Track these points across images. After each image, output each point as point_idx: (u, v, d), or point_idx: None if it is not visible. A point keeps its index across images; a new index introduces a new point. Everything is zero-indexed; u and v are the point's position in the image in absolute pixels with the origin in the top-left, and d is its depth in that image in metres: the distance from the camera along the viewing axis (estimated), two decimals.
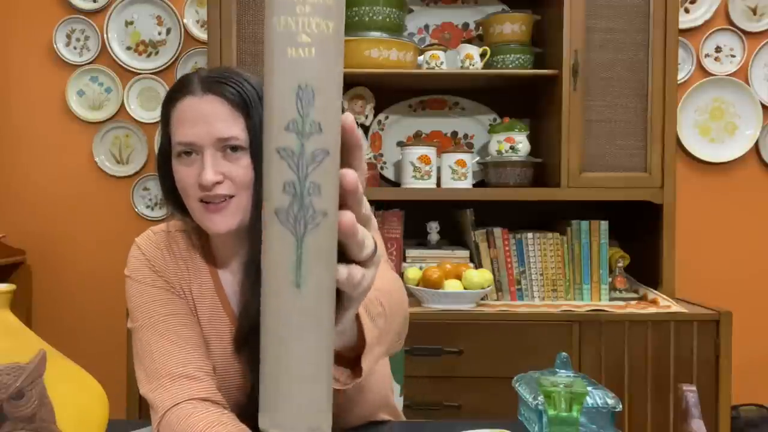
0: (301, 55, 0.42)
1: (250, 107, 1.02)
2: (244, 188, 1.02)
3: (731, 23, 2.53)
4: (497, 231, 2.18)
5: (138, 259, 1.12)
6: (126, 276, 1.12)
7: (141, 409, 1.95)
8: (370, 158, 2.34)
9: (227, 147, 1.01)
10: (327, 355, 0.43)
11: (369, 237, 0.52)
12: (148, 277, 1.10)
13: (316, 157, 0.42)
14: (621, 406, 0.98)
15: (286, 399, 0.41)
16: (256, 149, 1.02)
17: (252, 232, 1.04)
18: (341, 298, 0.52)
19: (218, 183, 1.00)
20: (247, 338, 1.05)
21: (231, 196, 1.02)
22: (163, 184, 1.10)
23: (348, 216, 0.47)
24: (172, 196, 1.09)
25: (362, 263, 0.52)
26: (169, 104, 1.05)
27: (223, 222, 1.02)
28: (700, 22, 2.52)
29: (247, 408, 1.09)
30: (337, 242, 0.45)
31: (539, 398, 0.97)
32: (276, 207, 0.42)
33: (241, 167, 1.01)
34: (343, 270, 0.49)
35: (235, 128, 1.01)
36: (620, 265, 2.25)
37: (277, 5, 0.43)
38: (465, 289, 2.00)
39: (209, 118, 1.01)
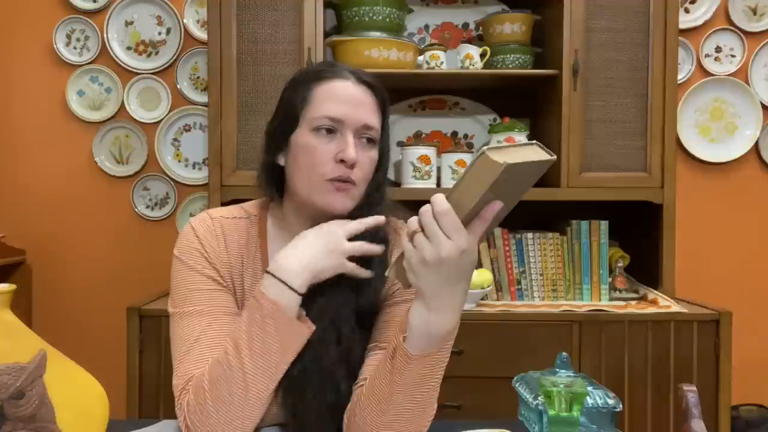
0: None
1: (387, 108, 1.11)
2: (365, 179, 1.09)
3: (731, 23, 2.53)
4: (497, 231, 2.18)
5: (191, 242, 1.08)
6: (175, 256, 1.08)
7: (141, 409, 1.95)
8: None
9: (364, 136, 1.07)
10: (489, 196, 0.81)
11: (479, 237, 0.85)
12: (198, 263, 1.07)
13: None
14: (621, 406, 0.98)
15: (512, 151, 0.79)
16: (382, 146, 1.12)
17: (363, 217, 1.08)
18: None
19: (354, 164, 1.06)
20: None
21: (354, 183, 1.06)
22: (267, 158, 1.12)
23: (496, 206, 0.82)
24: (270, 172, 1.12)
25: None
26: (315, 80, 1.08)
27: (344, 202, 1.07)
28: (700, 22, 2.52)
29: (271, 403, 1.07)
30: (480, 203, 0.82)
31: (539, 398, 0.97)
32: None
33: (370, 158, 1.08)
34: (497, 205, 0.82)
35: (376, 120, 1.09)
36: (620, 265, 2.24)
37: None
38: None
39: (360, 103, 1.07)
